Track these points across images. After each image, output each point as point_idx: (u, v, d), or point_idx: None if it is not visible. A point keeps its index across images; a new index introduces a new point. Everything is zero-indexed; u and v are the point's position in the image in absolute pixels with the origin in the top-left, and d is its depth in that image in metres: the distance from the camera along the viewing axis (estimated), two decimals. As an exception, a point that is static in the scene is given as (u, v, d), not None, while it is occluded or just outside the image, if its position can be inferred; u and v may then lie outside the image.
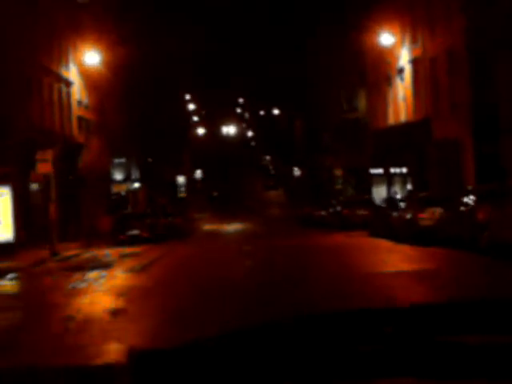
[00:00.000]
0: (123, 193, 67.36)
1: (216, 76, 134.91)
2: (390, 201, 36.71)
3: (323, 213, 52.77)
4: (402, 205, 31.68)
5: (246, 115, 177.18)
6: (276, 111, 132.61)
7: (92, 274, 22.26)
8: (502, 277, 16.32)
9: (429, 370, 2.02)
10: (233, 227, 60.38)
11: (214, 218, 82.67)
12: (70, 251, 34.57)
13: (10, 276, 23.93)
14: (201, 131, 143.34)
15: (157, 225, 43.94)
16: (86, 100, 54.26)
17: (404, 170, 49.24)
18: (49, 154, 31.12)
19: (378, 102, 55.11)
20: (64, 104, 48.21)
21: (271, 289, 16.53)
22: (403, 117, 48.83)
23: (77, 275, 22.19)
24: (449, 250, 23.70)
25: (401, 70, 48.97)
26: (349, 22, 58.71)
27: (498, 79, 35.37)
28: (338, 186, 70.37)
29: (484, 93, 36.08)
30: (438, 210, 26.30)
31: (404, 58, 48.35)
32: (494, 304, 2.24)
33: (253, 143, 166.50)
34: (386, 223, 32.59)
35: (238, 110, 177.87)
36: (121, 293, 16.72)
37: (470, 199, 23.61)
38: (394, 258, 23.08)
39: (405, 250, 25.95)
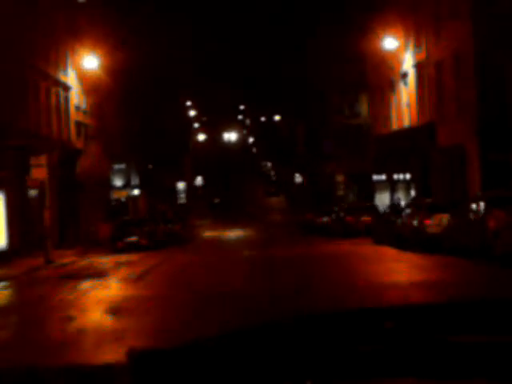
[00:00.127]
0: (123, 199, 66.78)
1: (217, 80, 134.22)
2: (395, 207, 35.85)
3: (325, 219, 52.11)
4: (407, 211, 30.77)
5: (247, 121, 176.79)
6: (277, 117, 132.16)
7: (85, 284, 21.34)
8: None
9: (429, 370, 1.98)
10: (234, 234, 59.68)
11: (214, 224, 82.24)
12: (66, 258, 33.73)
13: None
14: (202, 137, 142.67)
15: (156, 232, 43.06)
16: (84, 105, 53.53)
17: (407, 176, 48.47)
18: (43, 159, 30.22)
19: (380, 107, 54.45)
20: (62, 109, 47.43)
21: (272, 298, 15.70)
22: (407, 122, 48.12)
23: (69, 284, 21.31)
24: (459, 259, 22.77)
25: (404, 75, 48.27)
26: (351, 27, 58.18)
27: (506, 83, 34.57)
28: (340, 193, 69.75)
29: (491, 97, 35.34)
30: (446, 217, 25.43)
31: (408, 63, 47.63)
32: (493, 304, 2.20)
33: (254, 149, 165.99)
34: (391, 230, 31.74)
35: (240, 117, 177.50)
36: (111, 305, 15.72)
37: (479, 206, 22.70)
38: (403, 267, 22.11)
39: (412, 258, 25.02)
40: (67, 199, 47.21)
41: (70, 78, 49.68)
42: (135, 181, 71.62)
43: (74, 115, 50.39)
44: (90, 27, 53.02)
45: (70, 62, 49.46)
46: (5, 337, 13.30)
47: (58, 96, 46.73)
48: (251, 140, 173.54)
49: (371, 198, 54.23)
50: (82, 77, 51.49)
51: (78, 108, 51.58)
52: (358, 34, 54.72)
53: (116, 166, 65.65)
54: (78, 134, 51.67)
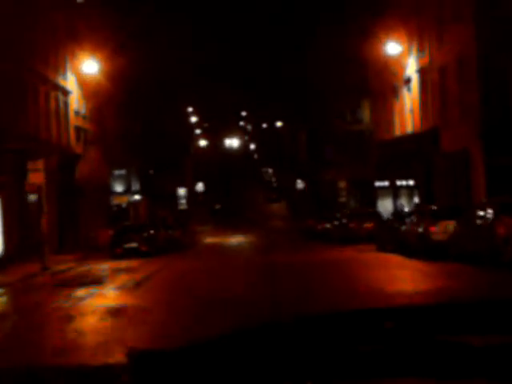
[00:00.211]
0: (124, 205, 66.49)
1: (217, 84, 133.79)
2: (398, 213, 35.29)
3: (327, 225, 51.68)
4: (412, 218, 30.18)
5: (249, 128, 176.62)
6: (279, 124, 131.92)
7: (79, 292, 20.66)
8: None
9: (428, 370, 1.97)
10: (235, 240, 59.21)
11: (215, 230, 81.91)
12: (64, 265, 33.19)
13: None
14: (203, 144, 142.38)
15: (156, 238, 42.45)
16: (84, 110, 53.08)
17: (410, 182, 47.98)
18: (41, 164, 29.61)
19: (383, 113, 54.06)
20: (61, 113, 46.95)
21: (273, 305, 15.15)
22: (410, 127, 47.70)
23: (64, 292, 20.68)
24: (465, 266, 22.17)
25: (408, 80, 47.82)
26: (352, 33, 57.78)
27: (509, 86, 34.10)
28: (342, 199, 69.35)
29: (494, 101, 34.94)
30: (451, 224, 24.85)
31: (411, 68, 47.20)
32: (492, 305, 2.18)
33: (255, 156, 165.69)
34: (395, 237, 31.18)
35: (241, 123, 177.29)
36: (106, 315, 15.09)
37: (486, 212, 22.12)
38: (407, 275, 21.50)
39: (417, 265, 24.40)
40: (66, 204, 46.76)
41: (70, 83, 49.22)
42: (136, 186, 71.30)
43: (73, 120, 49.93)
44: (90, 31, 52.59)
45: (69, 66, 49.02)
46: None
47: (57, 100, 46.26)
48: (252, 146, 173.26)
49: (373, 204, 53.87)
50: (82, 81, 51.04)
51: (77, 113, 51.13)
52: (360, 39, 54.33)
53: (116, 172, 65.38)
54: (78, 138, 51.22)
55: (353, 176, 65.16)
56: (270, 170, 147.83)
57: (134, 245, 40.03)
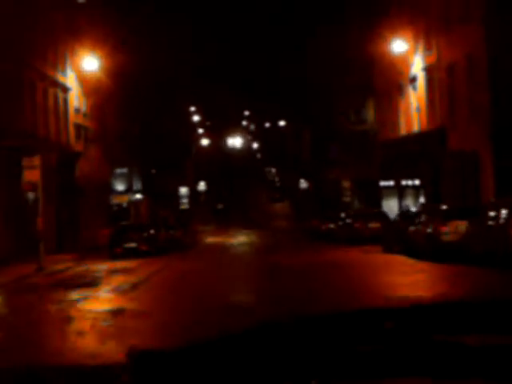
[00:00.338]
0: (125, 204, 65.95)
1: (220, 83, 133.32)
2: (406, 214, 34.30)
3: (332, 226, 50.99)
4: (421, 218, 29.17)
5: (252, 127, 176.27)
6: (282, 123, 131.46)
7: (73, 294, 19.61)
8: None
9: (428, 370, 2.00)
10: (237, 240, 58.54)
11: (218, 230, 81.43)
12: (61, 265, 32.34)
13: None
14: (205, 143, 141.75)
15: (156, 237, 41.50)
16: (84, 107, 52.29)
17: (416, 182, 47.24)
18: (37, 160, 28.65)
19: (388, 112, 53.41)
20: (60, 110, 46.11)
21: (275, 309, 14.25)
22: (416, 127, 47.01)
23: (57, 294, 19.72)
24: (479, 268, 21.16)
25: (413, 79, 47.12)
26: (357, 32, 57.22)
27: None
28: (346, 199, 68.81)
29: (504, 101, 34.46)
30: (462, 224, 23.87)
31: (417, 66, 46.49)
32: (492, 304, 2.19)
33: (258, 155, 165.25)
34: (402, 238, 30.22)
35: (244, 123, 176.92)
36: (94, 321, 13.91)
37: (499, 212, 21.18)
38: (419, 278, 20.31)
39: (428, 268, 23.37)
40: (66, 203, 46.06)
41: (69, 80, 48.39)
42: (137, 185, 70.85)
43: (73, 117, 49.12)
44: (90, 28, 51.82)
45: (69, 62, 48.20)
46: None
47: (56, 97, 45.43)
48: (255, 145, 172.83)
49: (378, 204, 53.38)
50: (82, 78, 50.25)
51: (77, 110, 50.36)
52: (365, 38, 53.80)
53: (117, 171, 64.88)
54: (78, 136, 50.42)
55: (357, 176, 64.70)
56: (273, 170, 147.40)
57: (133, 244, 39.08)
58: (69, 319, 14.59)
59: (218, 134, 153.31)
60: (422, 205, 40.91)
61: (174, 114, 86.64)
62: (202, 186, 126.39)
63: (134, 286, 21.18)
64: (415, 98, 47.28)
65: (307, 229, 64.83)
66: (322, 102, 76.30)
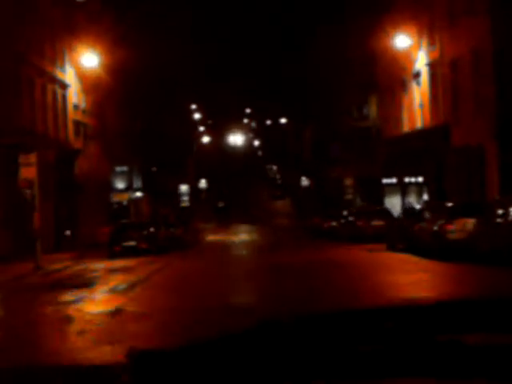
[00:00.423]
0: (125, 202, 65.55)
1: (221, 81, 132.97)
2: (410, 211, 33.63)
3: (334, 223, 50.46)
4: (426, 215, 28.49)
5: (253, 124, 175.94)
6: (283, 120, 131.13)
7: (68, 294, 18.92)
8: None
9: (429, 370, 1.99)
10: (238, 238, 58.04)
11: (219, 228, 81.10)
12: (59, 264, 31.73)
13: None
14: (206, 140, 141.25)
15: (156, 236, 40.81)
16: (83, 104, 51.71)
17: (420, 178, 46.71)
18: (33, 157, 28.02)
19: (391, 108, 52.93)
20: (59, 107, 45.52)
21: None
22: (419, 123, 46.55)
23: (51, 295, 19.02)
24: (487, 268, 20.49)
25: (417, 74, 46.68)
26: (359, 28, 56.80)
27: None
28: (348, 196, 68.36)
29: (510, 95, 33.86)
30: (470, 222, 23.21)
31: (421, 61, 45.99)
32: (494, 303, 2.18)
33: (259, 153, 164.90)
34: (407, 235, 29.56)
35: (245, 120, 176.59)
36: (87, 324, 13.16)
37: (508, 210, 20.52)
38: (425, 278, 19.55)
39: (433, 266, 22.68)
40: (65, 201, 45.56)
41: (68, 76, 47.81)
42: (137, 183, 70.47)
43: (72, 114, 48.55)
44: (89, 23, 51.22)
45: (67, 58, 47.61)
46: None
47: (54, 93, 44.85)
48: (256, 143, 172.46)
49: (381, 202, 52.91)
50: (81, 75, 49.68)
51: (76, 107, 49.78)
52: (368, 34, 53.33)
53: (118, 169, 64.50)
54: (77, 133, 49.84)
55: (359, 173, 64.33)
56: (275, 167, 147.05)
57: (132, 243, 38.40)
58: (62, 321, 13.80)
59: (219, 131, 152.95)
60: (427, 202, 40.38)
61: (175, 112, 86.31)
62: (202, 183, 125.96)
63: (133, 286, 20.48)
64: (418, 94, 46.84)
65: (309, 227, 64.40)
66: (323, 99, 76.10)
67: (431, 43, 44.20)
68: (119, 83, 60.19)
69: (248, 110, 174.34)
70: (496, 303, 2.23)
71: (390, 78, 52.29)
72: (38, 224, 29.48)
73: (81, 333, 12.22)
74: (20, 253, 33.13)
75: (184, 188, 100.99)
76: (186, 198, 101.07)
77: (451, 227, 24.30)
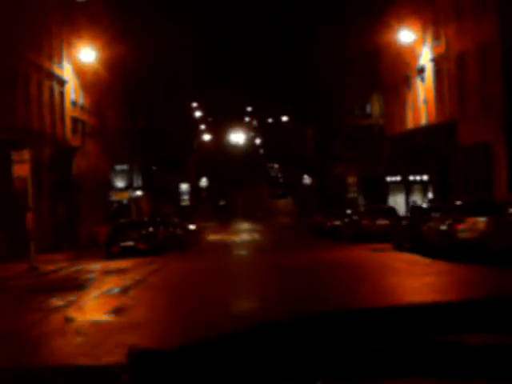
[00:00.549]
0: (125, 201, 64.83)
1: (222, 79, 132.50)
2: (418, 209, 32.66)
3: (337, 222, 49.66)
4: (435, 214, 27.49)
5: (255, 123, 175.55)
6: (285, 118, 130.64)
7: (57, 299, 17.81)
8: None
9: (428, 370, 2.00)
10: (240, 238, 57.30)
11: (220, 227, 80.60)
12: (54, 265, 30.81)
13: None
14: (207, 139, 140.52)
15: (155, 235, 39.79)
16: (81, 100, 50.79)
17: (424, 177, 45.94)
18: (26, 155, 27.06)
19: (394, 106, 52.30)
20: (56, 103, 44.59)
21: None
22: (424, 120, 45.86)
23: (38, 299, 17.93)
24: (498, 269, 19.48)
25: (421, 70, 45.96)
26: (362, 22, 56.20)
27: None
28: (351, 195, 67.72)
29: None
30: (481, 221, 22.23)
31: (425, 57, 45.28)
32: (494, 303, 2.17)
33: (261, 151, 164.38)
34: (414, 235, 28.59)
35: (247, 118, 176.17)
36: (69, 336, 11.88)
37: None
38: (436, 281, 18.47)
39: (444, 267, 21.60)
40: (63, 200, 44.74)
41: (66, 72, 46.88)
42: (138, 182, 69.83)
43: (69, 111, 47.63)
44: (87, 19, 50.39)
45: (65, 54, 46.68)
46: None
47: (51, 90, 43.93)
48: (258, 141, 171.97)
49: (384, 200, 52.23)
50: (79, 71, 48.76)
51: (74, 104, 48.88)
52: (371, 29, 52.66)
53: (118, 167, 63.80)
54: (75, 131, 48.92)
55: (362, 171, 63.86)
56: (276, 166, 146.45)
57: (130, 243, 37.39)
58: (43, 333, 12.71)
59: (220, 129, 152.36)
60: (435, 200, 39.54)
61: (175, 110, 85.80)
62: (203, 182, 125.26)
63: (126, 290, 19.37)
64: (423, 90, 46.15)
65: (311, 225, 63.60)
66: (325, 98, 75.72)
67: (436, 38, 43.48)
68: (118, 80, 59.33)
69: (249, 108, 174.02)
70: (496, 303, 2.16)
71: (394, 75, 51.70)
72: (31, 224, 28.49)
73: (59, 348, 11.04)
74: (16, 253, 32.23)
75: (184, 186, 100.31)
76: (186, 197, 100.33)
77: (461, 226, 23.29)
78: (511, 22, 33.57)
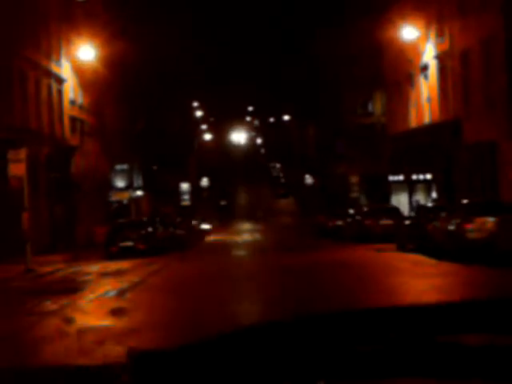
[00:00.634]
0: (125, 201, 64.34)
1: (223, 79, 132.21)
2: (423, 209, 31.98)
3: (339, 222, 49.15)
4: (441, 214, 26.79)
5: (256, 122, 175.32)
6: (286, 117, 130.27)
7: (50, 303, 17.04)
8: None
9: (428, 370, 2.00)
10: (241, 238, 56.76)
11: (221, 227, 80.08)
12: (51, 266, 30.18)
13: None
14: (208, 138, 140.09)
15: (154, 235, 39.15)
16: (80, 99, 50.17)
17: (428, 176, 45.35)
18: (22, 153, 26.43)
19: (397, 104, 51.75)
20: (54, 102, 43.97)
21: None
22: (427, 118, 45.29)
23: (30, 303, 17.20)
24: (509, 270, 18.81)
25: (425, 67, 45.40)
26: (363, 20, 55.75)
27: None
28: (354, 194, 67.27)
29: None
30: (490, 220, 21.56)
31: (428, 54, 44.68)
32: (494, 304, 2.17)
33: (262, 151, 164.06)
34: (419, 235, 27.91)
35: (248, 118, 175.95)
36: (55, 346, 11.15)
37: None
38: (446, 283, 17.77)
39: (452, 269, 20.83)
40: (61, 200, 44.15)
41: (64, 70, 46.24)
42: (138, 182, 69.38)
43: (68, 110, 47.01)
44: (87, 16, 49.72)
45: (64, 52, 46.06)
46: None
47: (49, 88, 43.31)
48: (259, 141, 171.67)
49: (387, 199, 51.79)
50: (78, 69, 48.13)
51: (73, 102, 48.25)
52: (373, 27, 52.13)
53: (118, 167, 63.32)
54: (73, 130, 48.30)
55: (365, 170, 63.50)
56: (278, 165, 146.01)
57: (129, 243, 36.71)
58: (30, 341, 11.96)
59: (221, 129, 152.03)
60: (439, 200, 38.97)
61: (176, 109, 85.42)
62: (204, 182, 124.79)
63: (123, 293, 18.65)
64: (426, 88, 45.57)
65: (313, 225, 63.15)
66: (326, 96, 75.30)
67: (440, 35, 42.89)
68: (118, 79, 58.75)
69: (250, 108, 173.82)
70: (497, 303, 2.15)
71: (397, 72, 51.15)
72: (27, 224, 27.83)
73: (46, 360, 10.35)
74: (13, 254, 31.58)
75: (185, 186, 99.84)
76: (187, 197, 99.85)
77: (470, 226, 22.59)
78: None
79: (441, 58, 42.75)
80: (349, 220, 46.04)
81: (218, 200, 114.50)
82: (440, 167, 43.05)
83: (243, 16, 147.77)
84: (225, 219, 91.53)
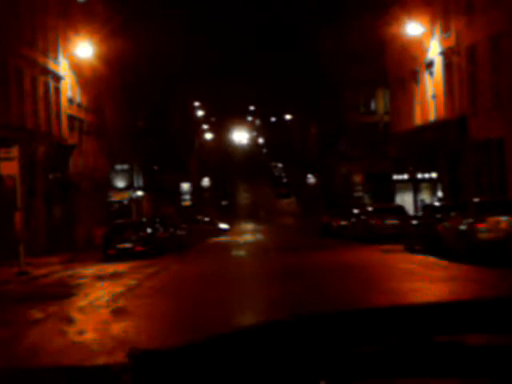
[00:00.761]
0: (125, 201, 63.56)
1: (224, 78, 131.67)
2: (430, 209, 31.06)
3: (343, 222, 48.42)
4: (451, 213, 25.85)
5: (257, 122, 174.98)
6: (288, 117, 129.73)
7: (37, 310, 15.89)
8: None
9: (429, 370, 1.99)
10: (243, 239, 55.98)
11: (222, 228, 78.69)
12: (46, 269, 29.28)
13: None
14: (209, 138, 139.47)
15: (154, 237, 38.19)
16: (78, 98, 49.30)
17: (433, 174, 44.57)
18: (15, 152, 25.53)
19: (402, 101, 51.05)
20: (51, 100, 43.09)
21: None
22: (432, 116, 44.53)
23: (15, 310, 16.15)
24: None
25: (430, 64, 44.63)
26: (366, 17, 55.06)
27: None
28: (357, 194, 66.59)
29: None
30: (504, 220, 20.61)
31: (434, 50, 43.90)
32: (494, 303, 2.15)
33: (264, 150, 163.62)
34: (428, 236, 26.97)
35: (249, 117, 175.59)
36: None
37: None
38: (460, 286, 16.83)
39: (465, 271, 19.83)
40: (59, 200, 43.26)
41: (62, 68, 45.34)
42: (138, 182, 68.62)
43: (66, 108, 46.12)
44: (85, 12, 48.88)
45: (61, 49, 45.16)
46: None
47: (47, 86, 42.41)
48: (261, 140, 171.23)
49: (391, 199, 51.13)
50: (76, 67, 47.27)
51: (71, 101, 47.38)
52: (377, 23, 51.40)
53: (118, 167, 62.57)
54: (71, 128, 47.40)
55: (368, 169, 62.94)
56: (280, 165, 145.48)
57: (128, 245, 35.74)
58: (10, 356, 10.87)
59: (222, 129, 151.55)
60: (445, 199, 38.16)
61: (177, 109, 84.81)
62: (206, 182, 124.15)
63: (116, 299, 17.62)
64: (431, 85, 44.82)
65: (316, 226, 62.48)
66: (329, 95, 74.66)
67: (445, 30, 42.12)
68: (118, 77, 57.91)
69: (252, 108, 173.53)
70: (497, 303, 2.13)
71: (401, 69, 50.47)
72: (20, 224, 26.90)
73: None
74: (9, 256, 30.71)
75: (186, 186, 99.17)
76: (188, 197, 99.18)
77: (483, 226, 21.63)
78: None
79: (446, 54, 41.98)
80: (353, 220, 45.25)
81: (219, 200, 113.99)
82: (446, 165, 42.33)
83: (244, 15, 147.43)
84: (226, 219, 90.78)
